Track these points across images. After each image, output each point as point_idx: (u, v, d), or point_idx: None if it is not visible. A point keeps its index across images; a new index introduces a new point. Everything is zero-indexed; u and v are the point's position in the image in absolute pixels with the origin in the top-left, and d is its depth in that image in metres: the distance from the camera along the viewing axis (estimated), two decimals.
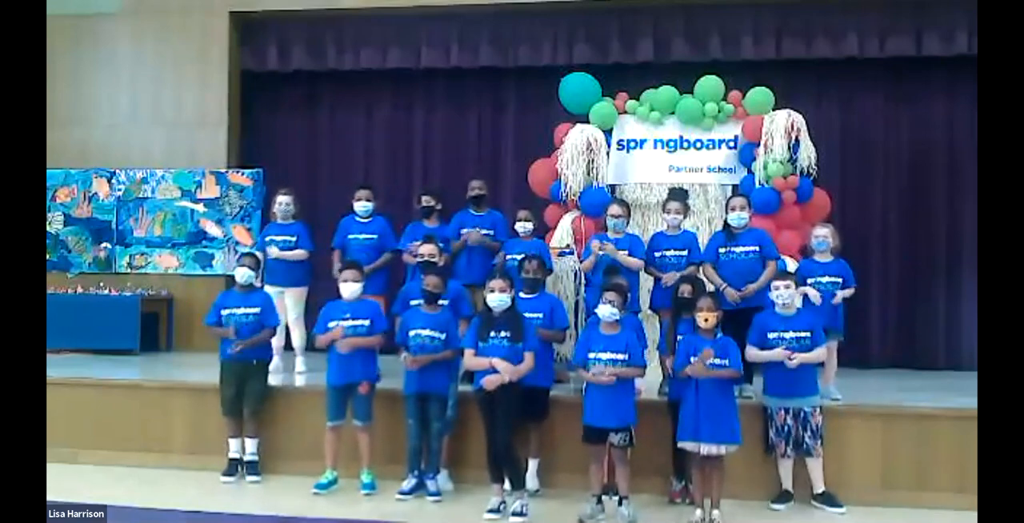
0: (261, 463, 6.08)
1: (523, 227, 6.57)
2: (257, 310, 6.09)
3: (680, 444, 5.19)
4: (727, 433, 5.08)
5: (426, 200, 6.97)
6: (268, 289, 7.01)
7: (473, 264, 6.73)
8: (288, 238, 7.05)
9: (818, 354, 5.46)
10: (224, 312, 6.09)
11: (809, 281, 6.00)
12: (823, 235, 6.14)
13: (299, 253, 7.02)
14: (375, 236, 6.98)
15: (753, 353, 5.46)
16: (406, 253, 6.82)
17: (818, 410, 5.51)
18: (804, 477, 5.55)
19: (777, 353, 5.37)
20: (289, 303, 7.03)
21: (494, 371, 5.14)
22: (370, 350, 5.85)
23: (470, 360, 5.30)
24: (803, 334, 5.43)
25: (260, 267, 6.33)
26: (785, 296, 5.45)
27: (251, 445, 6.09)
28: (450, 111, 9.46)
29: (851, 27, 8.42)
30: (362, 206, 7.03)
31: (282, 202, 7.14)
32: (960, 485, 5.47)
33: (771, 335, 5.45)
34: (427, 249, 6.16)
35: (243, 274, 6.15)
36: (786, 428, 5.47)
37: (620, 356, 5.12)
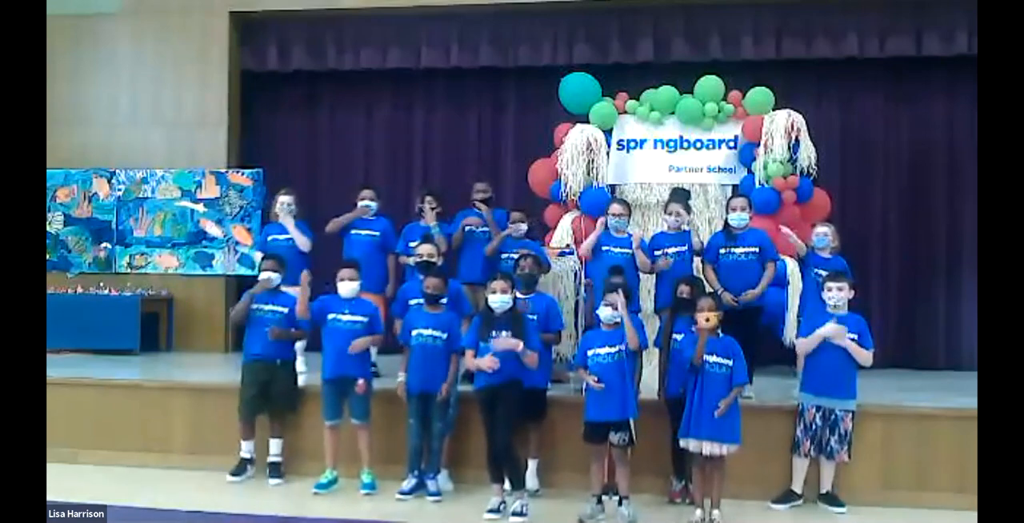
0: (283, 464, 6.06)
1: (516, 230, 6.58)
2: (286, 310, 6.03)
3: (682, 443, 5.19)
4: (727, 433, 5.08)
5: (429, 201, 6.95)
6: None
7: (473, 263, 6.73)
8: (290, 238, 7.03)
9: (865, 353, 5.38)
10: (253, 306, 6.06)
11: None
12: (824, 232, 6.15)
13: (304, 241, 6.92)
14: (378, 233, 6.98)
15: (803, 342, 5.46)
16: (403, 256, 6.81)
17: (851, 415, 5.46)
18: (809, 476, 5.55)
19: (831, 328, 5.32)
20: None
21: (496, 376, 5.15)
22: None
23: (470, 360, 5.30)
24: (851, 336, 5.39)
25: (284, 268, 6.27)
26: (837, 298, 5.41)
27: (275, 446, 6.06)
28: (450, 111, 9.46)
29: (851, 27, 8.42)
30: (366, 205, 7.02)
31: (284, 202, 7.12)
32: (960, 485, 5.47)
33: (820, 331, 5.43)
34: (425, 249, 6.15)
35: (269, 276, 6.08)
36: (814, 427, 5.45)
37: (617, 348, 5.12)
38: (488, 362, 5.11)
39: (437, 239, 6.36)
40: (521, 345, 5.12)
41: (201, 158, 9.20)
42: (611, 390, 5.11)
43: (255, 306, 6.05)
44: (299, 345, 7.02)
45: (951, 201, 8.61)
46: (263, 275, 6.12)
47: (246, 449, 6.06)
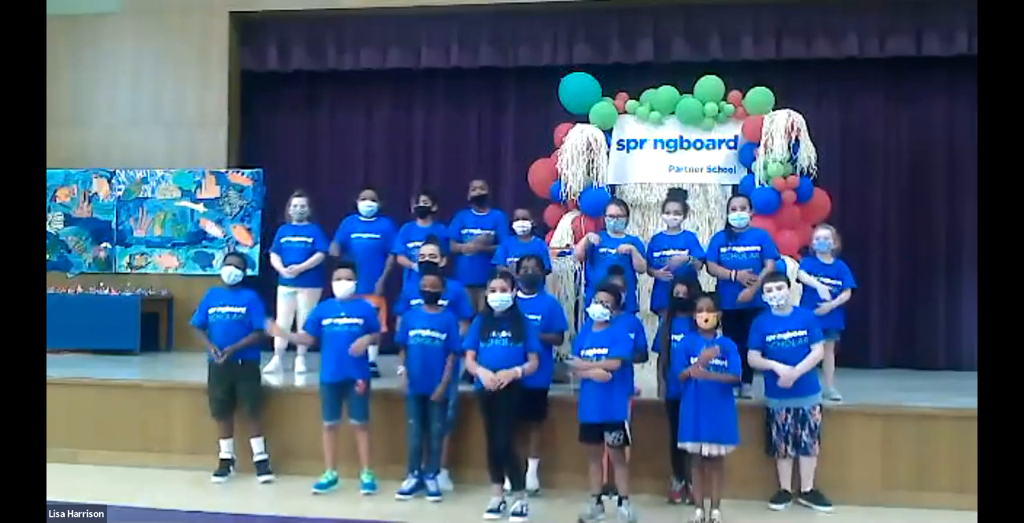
0: (270, 461, 6.08)
1: (521, 226, 6.56)
2: (243, 310, 6.06)
3: (680, 445, 5.19)
4: (726, 433, 5.08)
5: (424, 200, 6.95)
6: (282, 289, 7.01)
7: (473, 264, 6.73)
8: (304, 239, 7.05)
9: (814, 357, 5.42)
10: (211, 311, 6.07)
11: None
12: (824, 236, 6.15)
13: (317, 258, 6.99)
14: (379, 236, 6.98)
15: (756, 359, 5.46)
16: (402, 256, 6.82)
17: (818, 409, 5.51)
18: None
19: (779, 369, 5.35)
20: (301, 303, 7.01)
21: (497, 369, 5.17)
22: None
23: (471, 363, 5.30)
24: (800, 333, 5.43)
25: (247, 266, 6.30)
26: (779, 297, 5.45)
27: (257, 444, 6.08)
28: (450, 111, 9.46)
29: (851, 27, 8.42)
30: (367, 206, 7.02)
31: (297, 204, 7.14)
32: (960, 485, 5.47)
33: (769, 338, 5.44)
34: (429, 249, 6.16)
35: (230, 273, 6.13)
36: (786, 428, 5.48)
37: (604, 351, 5.11)
38: (489, 380, 5.14)
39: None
40: (520, 372, 5.16)
41: (201, 158, 9.20)
42: (599, 392, 5.10)
43: (213, 310, 6.06)
44: (301, 347, 7.04)
45: (951, 201, 8.61)
46: (225, 270, 6.14)
47: (225, 449, 6.07)
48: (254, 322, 6.11)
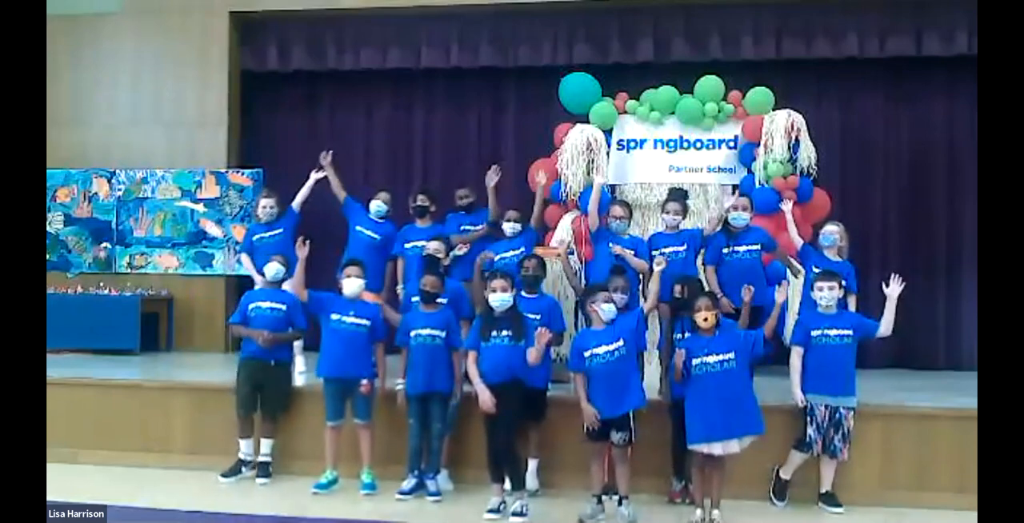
0: (273, 464, 6.07)
1: (512, 228, 6.54)
2: (284, 307, 6.08)
3: (691, 446, 5.15)
4: (747, 424, 5.06)
5: (422, 200, 6.96)
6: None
7: (470, 260, 6.71)
8: (276, 233, 7.07)
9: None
10: (251, 306, 6.08)
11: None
12: (832, 231, 6.11)
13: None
14: (379, 237, 6.99)
15: (794, 362, 5.48)
16: (400, 257, 6.82)
17: (852, 413, 5.47)
18: (808, 476, 5.54)
19: (798, 398, 5.45)
20: None
21: (497, 376, 5.20)
22: (365, 347, 5.79)
23: (471, 365, 5.30)
24: (846, 332, 5.44)
25: (289, 265, 6.29)
26: (828, 298, 5.45)
27: (266, 446, 6.08)
28: (450, 111, 9.46)
29: (851, 27, 8.43)
30: (377, 205, 7.04)
31: (265, 205, 7.20)
32: (960, 485, 5.47)
33: (815, 333, 5.45)
34: (434, 245, 6.20)
35: (274, 269, 6.15)
36: (824, 425, 5.44)
37: (616, 345, 5.08)
38: (487, 404, 5.16)
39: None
40: (549, 335, 5.15)
41: (201, 158, 9.20)
42: (617, 386, 5.08)
43: (253, 305, 6.06)
44: (297, 345, 7.03)
45: (951, 201, 8.62)
46: (270, 266, 6.16)
47: (244, 448, 6.06)
48: (295, 321, 6.11)
